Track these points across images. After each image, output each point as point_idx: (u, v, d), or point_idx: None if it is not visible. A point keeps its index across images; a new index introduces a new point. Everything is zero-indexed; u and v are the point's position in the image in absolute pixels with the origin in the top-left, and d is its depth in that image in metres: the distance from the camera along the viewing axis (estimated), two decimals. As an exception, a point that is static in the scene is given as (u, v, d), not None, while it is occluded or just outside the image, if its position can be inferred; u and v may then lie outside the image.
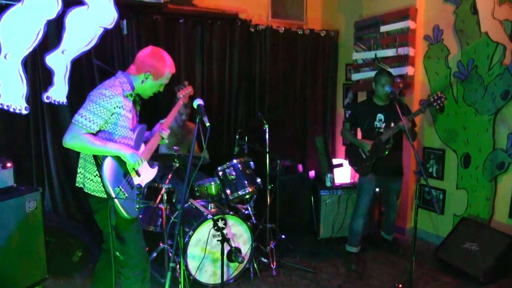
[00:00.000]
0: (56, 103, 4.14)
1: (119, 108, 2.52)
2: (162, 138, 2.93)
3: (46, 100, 4.08)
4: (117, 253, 2.60)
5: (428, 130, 4.79)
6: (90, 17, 4.02)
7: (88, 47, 4.09)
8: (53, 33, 4.09)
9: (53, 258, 3.67)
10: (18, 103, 3.86)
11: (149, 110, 4.04)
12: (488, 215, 4.21)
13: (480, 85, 4.22)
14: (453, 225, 4.41)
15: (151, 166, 2.91)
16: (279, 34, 5.55)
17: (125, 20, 4.59)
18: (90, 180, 2.57)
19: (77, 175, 2.68)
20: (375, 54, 5.01)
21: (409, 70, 4.67)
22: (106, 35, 4.46)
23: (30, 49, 3.87)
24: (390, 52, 4.86)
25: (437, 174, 4.71)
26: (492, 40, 4.08)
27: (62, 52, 4.01)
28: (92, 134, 2.47)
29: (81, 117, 2.43)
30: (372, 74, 4.99)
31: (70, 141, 2.43)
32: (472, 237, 4.03)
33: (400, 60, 4.75)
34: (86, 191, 2.60)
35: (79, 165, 2.66)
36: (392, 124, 3.98)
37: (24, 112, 3.95)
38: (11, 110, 3.87)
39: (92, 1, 4.00)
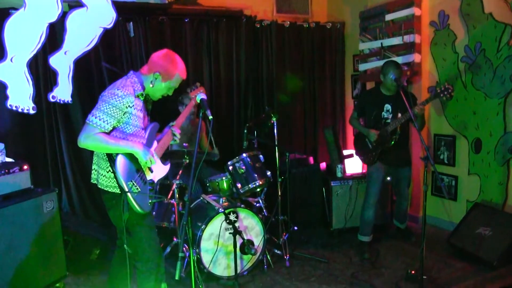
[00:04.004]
0: (61, 102, 4.26)
1: (131, 107, 2.59)
2: (174, 137, 2.96)
3: (51, 100, 4.21)
4: (125, 246, 2.67)
5: (438, 117, 4.77)
6: (89, 18, 4.12)
7: (90, 47, 4.19)
8: (55, 35, 4.19)
9: (72, 256, 3.77)
10: (25, 104, 4.00)
11: (160, 110, 4.11)
12: (502, 199, 4.18)
13: (489, 69, 4.18)
14: (466, 211, 4.39)
15: (164, 162, 2.98)
16: (284, 29, 5.58)
17: (131, 23, 4.68)
18: (103, 176, 2.64)
19: (92, 172, 2.76)
20: (381, 43, 5.00)
21: (416, 57, 4.66)
22: (114, 37, 4.58)
23: (34, 52, 4.00)
24: (396, 41, 4.85)
25: (449, 161, 4.69)
26: (498, 21, 4.04)
27: (65, 53, 4.13)
28: (106, 133, 2.54)
29: (95, 117, 2.50)
30: (379, 63, 5.01)
31: (85, 141, 2.50)
32: (486, 222, 4.01)
33: (407, 47, 4.73)
34: (100, 187, 2.68)
35: (93, 162, 2.74)
36: (399, 115, 3.98)
37: (32, 112, 4.07)
38: (20, 110, 4.00)
39: (90, 3, 4.10)
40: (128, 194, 2.54)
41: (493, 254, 3.74)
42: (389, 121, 4.06)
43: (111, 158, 2.58)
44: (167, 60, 2.70)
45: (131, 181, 2.59)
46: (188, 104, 3.12)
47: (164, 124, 3.04)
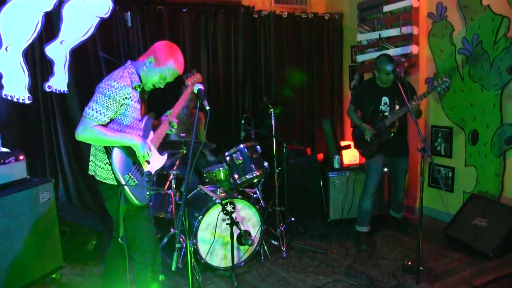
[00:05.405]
0: (57, 91, 4.23)
1: (128, 99, 2.55)
2: (171, 126, 2.92)
3: (47, 90, 4.18)
4: (120, 240, 2.66)
5: (435, 109, 4.77)
6: (86, 7, 4.10)
7: (86, 37, 4.18)
8: (51, 24, 4.16)
9: (68, 247, 3.76)
10: (21, 93, 3.98)
11: (158, 99, 4.10)
12: (498, 191, 4.20)
13: (486, 61, 4.18)
14: (463, 202, 4.41)
15: (161, 153, 2.96)
16: (282, 19, 5.55)
17: (129, 12, 4.64)
18: (101, 168, 2.62)
19: (89, 163, 2.74)
20: (379, 35, 4.98)
21: (413, 49, 4.64)
22: (111, 27, 4.55)
23: (30, 41, 3.98)
24: (394, 32, 4.83)
25: (445, 152, 4.70)
26: (496, 13, 4.04)
27: (61, 42, 4.11)
28: (103, 125, 2.51)
29: (91, 109, 2.46)
30: (376, 54, 4.97)
31: (82, 134, 2.47)
32: (482, 214, 4.03)
33: (404, 39, 4.72)
34: (97, 178, 2.66)
35: (91, 153, 2.71)
36: (397, 107, 3.96)
37: (28, 101, 4.06)
38: (15, 100, 3.97)
39: (87, -8, 4.08)
40: (125, 187, 2.52)
41: (489, 245, 3.77)
42: (387, 114, 4.03)
43: (108, 150, 2.56)
44: (165, 48, 2.66)
45: (128, 174, 2.58)
46: (184, 92, 3.08)
47: (162, 110, 3.01)
